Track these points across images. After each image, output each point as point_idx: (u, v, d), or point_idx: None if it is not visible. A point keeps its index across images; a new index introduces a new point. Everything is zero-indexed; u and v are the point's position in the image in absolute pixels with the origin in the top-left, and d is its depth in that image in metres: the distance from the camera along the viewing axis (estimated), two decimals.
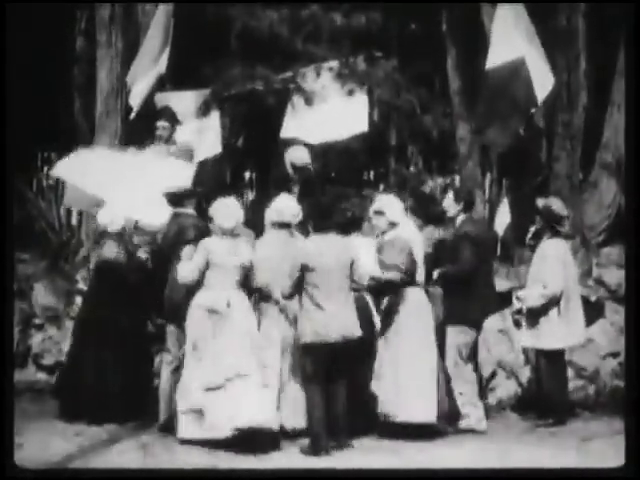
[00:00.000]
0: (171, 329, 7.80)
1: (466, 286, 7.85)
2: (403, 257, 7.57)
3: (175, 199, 7.94)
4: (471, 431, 7.68)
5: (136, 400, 7.84)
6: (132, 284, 8.05)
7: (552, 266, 8.04)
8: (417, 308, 7.65)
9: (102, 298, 8.06)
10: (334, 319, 7.09)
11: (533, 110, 9.98)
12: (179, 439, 7.26)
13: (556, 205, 8.24)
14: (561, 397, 8.11)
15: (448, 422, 7.64)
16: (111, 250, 8.12)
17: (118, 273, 8.06)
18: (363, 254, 7.53)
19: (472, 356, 8.03)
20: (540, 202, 8.33)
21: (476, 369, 8.21)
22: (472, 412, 7.79)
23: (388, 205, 7.87)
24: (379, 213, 7.81)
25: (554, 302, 8.02)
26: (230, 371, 7.13)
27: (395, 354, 7.52)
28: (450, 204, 8.22)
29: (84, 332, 8.11)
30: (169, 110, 9.76)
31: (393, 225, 7.76)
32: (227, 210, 7.45)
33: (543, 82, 9.57)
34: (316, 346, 7.10)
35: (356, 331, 7.21)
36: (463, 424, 7.73)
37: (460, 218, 8.18)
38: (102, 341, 7.91)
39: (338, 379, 7.22)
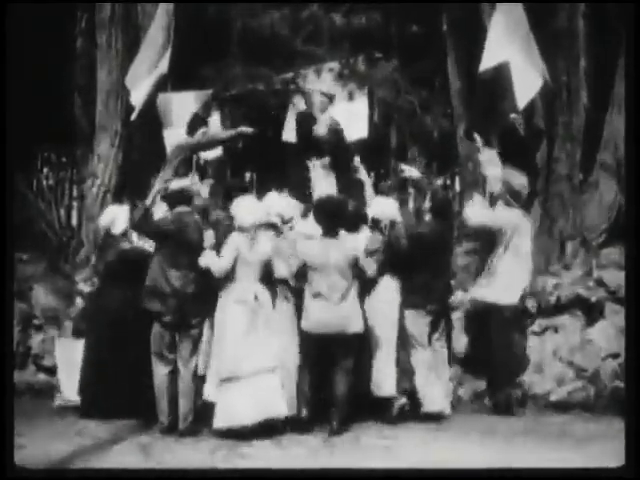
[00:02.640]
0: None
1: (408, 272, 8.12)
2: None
3: (176, 198, 7.90)
4: (431, 417, 7.96)
5: (141, 398, 7.81)
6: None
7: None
8: (379, 297, 8.04)
9: (111, 292, 8.07)
10: (331, 313, 7.48)
11: (513, 115, 10.01)
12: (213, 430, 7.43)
13: (516, 179, 8.56)
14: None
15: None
16: (123, 246, 8.12)
17: (128, 270, 8.04)
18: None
19: (427, 342, 8.18)
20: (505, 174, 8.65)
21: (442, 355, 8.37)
22: (427, 394, 8.00)
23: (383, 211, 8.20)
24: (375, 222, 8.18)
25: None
26: (256, 364, 7.40)
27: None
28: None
29: (96, 329, 8.12)
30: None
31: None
32: (245, 209, 7.67)
33: (526, 87, 9.63)
34: (312, 336, 7.53)
35: (353, 327, 7.56)
36: (422, 410, 8.01)
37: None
38: (111, 339, 7.92)
39: (338, 368, 7.58)
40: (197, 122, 9.34)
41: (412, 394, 8.03)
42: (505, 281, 8.45)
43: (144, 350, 7.73)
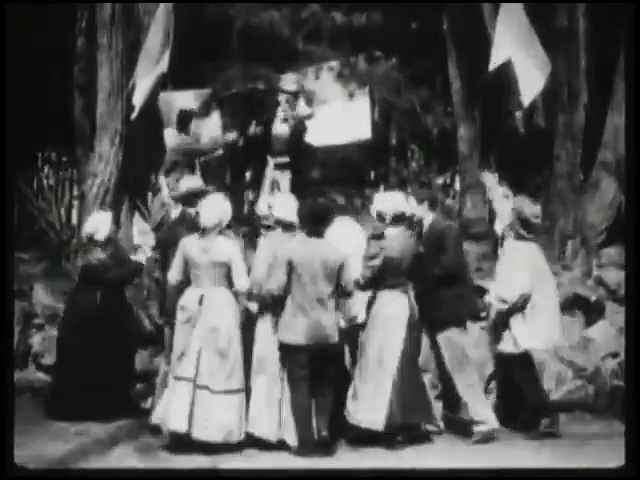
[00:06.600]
0: (166, 331, 7.68)
1: (453, 285, 7.44)
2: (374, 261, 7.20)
3: (186, 198, 7.88)
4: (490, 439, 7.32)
5: (115, 399, 7.84)
6: (117, 284, 8.10)
7: (515, 271, 7.59)
8: (385, 312, 7.23)
9: (86, 298, 8.09)
10: (313, 323, 6.91)
11: (518, 113, 10.04)
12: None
13: (529, 209, 7.69)
14: (539, 400, 7.74)
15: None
16: (97, 255, 8.12)
17: (103, 275, 8.06)
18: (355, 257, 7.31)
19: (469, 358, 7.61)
20: (516, 201, 7.91)
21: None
22: (488, 417, 7.39)
23: (388, 206, 7.38)
24: (379, 215, 7.39)
25: (515, 310, 7.55)
26: (182, 371, 6.98)
27: (360, 359, 7.27)
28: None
29: (70, 332, 8.13)
30: None
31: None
32: (212, 208, 7.18)
33: (531, 85, 9.65)
34: (292, 348, 6.93)
35: (332, 337, 6.97)
36: (479, 429, 7.36)
37: (431, 217, 7.59)
38: (87, 340, 7.93)
39: (322, 383, 7.01)
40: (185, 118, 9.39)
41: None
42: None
43: (107, 352, 7.80)
